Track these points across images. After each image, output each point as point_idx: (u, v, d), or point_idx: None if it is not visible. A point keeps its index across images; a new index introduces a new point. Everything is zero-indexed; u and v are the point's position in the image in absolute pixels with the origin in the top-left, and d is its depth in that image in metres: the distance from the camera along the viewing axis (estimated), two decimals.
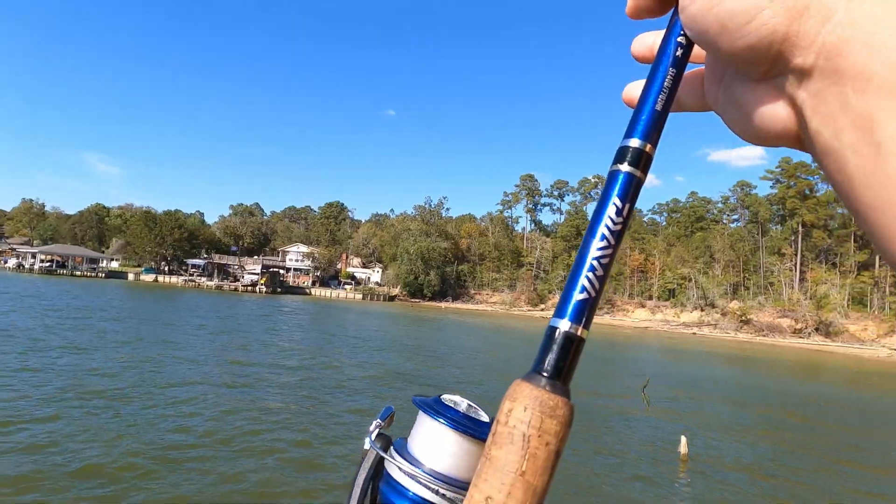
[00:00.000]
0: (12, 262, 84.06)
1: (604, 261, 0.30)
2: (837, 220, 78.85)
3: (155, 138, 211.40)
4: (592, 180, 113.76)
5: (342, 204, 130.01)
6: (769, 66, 0.25)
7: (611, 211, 0.30)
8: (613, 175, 0.31)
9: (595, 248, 0.30)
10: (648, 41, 0.36)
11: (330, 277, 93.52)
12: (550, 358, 0.29)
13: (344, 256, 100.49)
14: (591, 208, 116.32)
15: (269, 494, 7.59)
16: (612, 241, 0.30)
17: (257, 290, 77.12)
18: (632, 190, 0.30)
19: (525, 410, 0.28)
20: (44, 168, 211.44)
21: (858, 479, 11.08)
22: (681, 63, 0.31)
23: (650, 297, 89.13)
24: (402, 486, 0.43)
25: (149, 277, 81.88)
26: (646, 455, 11.22)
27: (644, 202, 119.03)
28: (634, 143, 0.31)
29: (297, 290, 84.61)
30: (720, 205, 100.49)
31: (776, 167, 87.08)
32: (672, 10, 0.32)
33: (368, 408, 13.02)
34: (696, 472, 10.41)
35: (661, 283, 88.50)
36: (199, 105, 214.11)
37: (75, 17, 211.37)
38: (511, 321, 66.27)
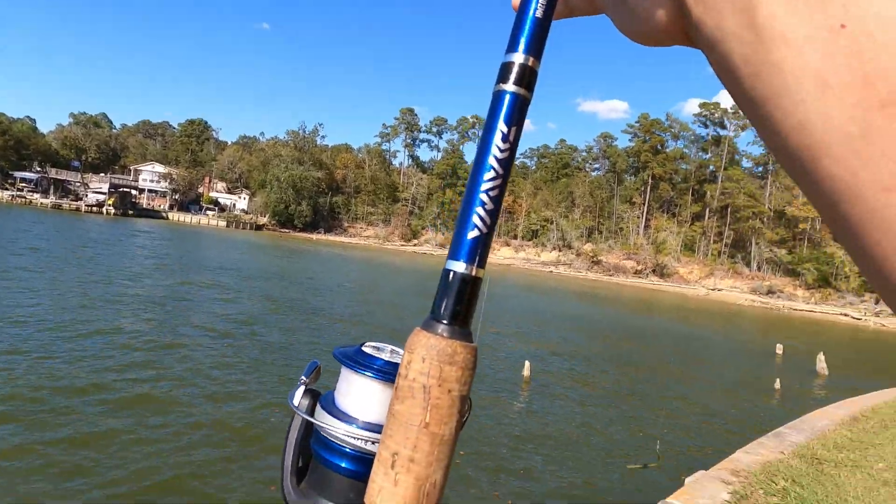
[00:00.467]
0: None
1: (493, 193, 0.29)
2: (680, 174, 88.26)
3: None
4: (471, 120, 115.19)
5: (206, 122, 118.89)
6: None
7: (497, 137, 0.28)
8: (498, 96, 0.29)
9: (484, 181, 0.28)
10: None
11: (190, 202, 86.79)
12: (447, 303, 0.29)
13: (207, 180, 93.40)
14: (468, 148, 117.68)
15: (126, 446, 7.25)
16: (501, 171, 0.29)
17: (104, 212, 69.58)
18: (517, 111, 0.29)
19: (423, 361, 0.28)
20: None
21: (676, 387, 13.07)
22: None
23: (515, 237, 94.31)
24: (336, 443, 0.42)
25: None
26: (493, 378, 12.25)
27: (518, 146, 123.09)
28: (518, 58, 0.29)
29: (152, 214, 77.49)
30: (584, 154, 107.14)
31: (636, 122, 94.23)
32: None
33: (252, 358, 12.68)
34: (537, 390, 11.60)
35: (526, 224, 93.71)
36: None
37: None
38: (385, 255, 66.83)
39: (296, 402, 0.46)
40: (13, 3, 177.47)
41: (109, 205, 71.46)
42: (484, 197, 0.28)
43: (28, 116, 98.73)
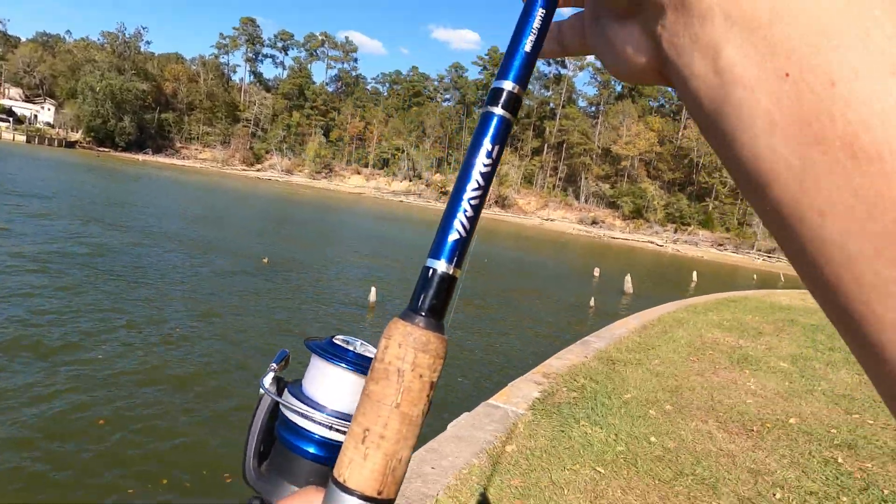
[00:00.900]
0: None
1: (474, 202, 0.31)
2: (524, 110, 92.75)
3: None
4: (319, 38, 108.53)
5: None
6: (627, 1, 0.26)
7: (483, 154, 0.31)
8: (487, 117, 0.32)
9: (468, 190, 0.31)
10: None
11: None
12: (425, 297, 0.31)
13: None
14: (316, 68, 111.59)
15: None
16: (483, 183, 0.32)
17: None
18: (502, 132, 0.32)
19: (399, 347, 0.30)
20: None
21: (515, 308, 14.37)
22: (551, 3, 0.32)
23: (366, 165, 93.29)
24: (304, 429, 0.45)
25: None
26: (341, 302, 12.52)
27: (370, 70, 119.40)
28: (508, 85, 0.32)
29: None
30: (436, 83, 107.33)
31: (485, 55, 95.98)
32: None
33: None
34: (381, 314, 12.13)
35: (377, 153, 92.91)
36: None
37: None
38: (226, 181, 62.30)
39: (266, 386, 0.48)
40: None
41: None
42: (466, 205, 0.31)
43: None
